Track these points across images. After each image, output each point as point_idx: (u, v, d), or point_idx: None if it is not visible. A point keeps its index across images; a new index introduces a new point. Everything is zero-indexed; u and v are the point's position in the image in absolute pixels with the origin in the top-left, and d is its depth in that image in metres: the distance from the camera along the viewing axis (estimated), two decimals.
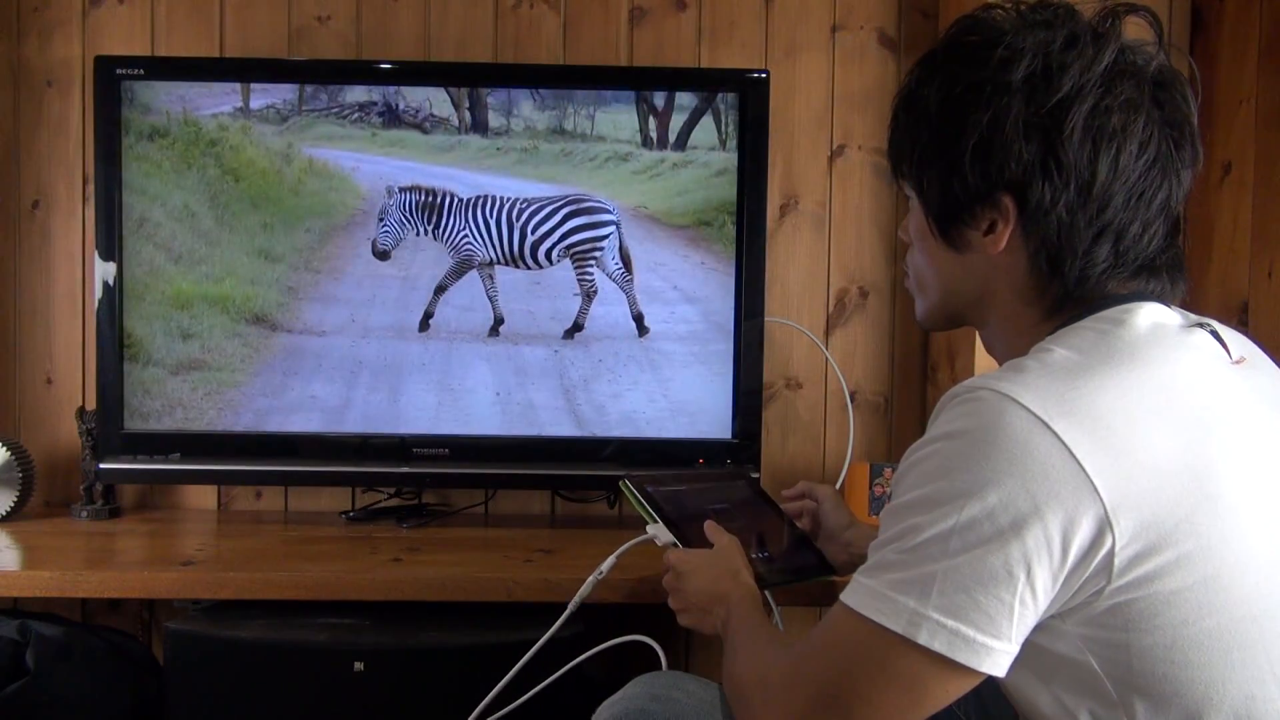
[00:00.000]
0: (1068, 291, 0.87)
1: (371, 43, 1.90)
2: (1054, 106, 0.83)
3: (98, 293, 1.70)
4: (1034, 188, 0.84)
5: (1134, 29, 0.89)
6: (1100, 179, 0.83)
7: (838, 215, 1.93)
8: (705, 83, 1.76)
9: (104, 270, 1.70)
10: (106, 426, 1.71)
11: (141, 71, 1.69)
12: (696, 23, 1.92)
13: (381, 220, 1.73)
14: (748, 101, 1.72)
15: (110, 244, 1.70)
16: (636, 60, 1.91)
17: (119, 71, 1.69)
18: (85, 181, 1.88)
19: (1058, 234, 0.85)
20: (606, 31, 1.91)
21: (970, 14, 0.91)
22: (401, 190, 1.72)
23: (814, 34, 1.92)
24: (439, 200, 1.73)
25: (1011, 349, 0.90)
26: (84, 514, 1.78)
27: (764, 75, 1.73)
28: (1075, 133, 0.83)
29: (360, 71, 1.77)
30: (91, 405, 1.82)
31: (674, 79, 1.79)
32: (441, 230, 1.73)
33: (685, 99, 1.73)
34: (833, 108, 1.92)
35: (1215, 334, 0.85)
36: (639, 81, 1.76)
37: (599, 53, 1.90)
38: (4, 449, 1.71)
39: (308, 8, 1.89)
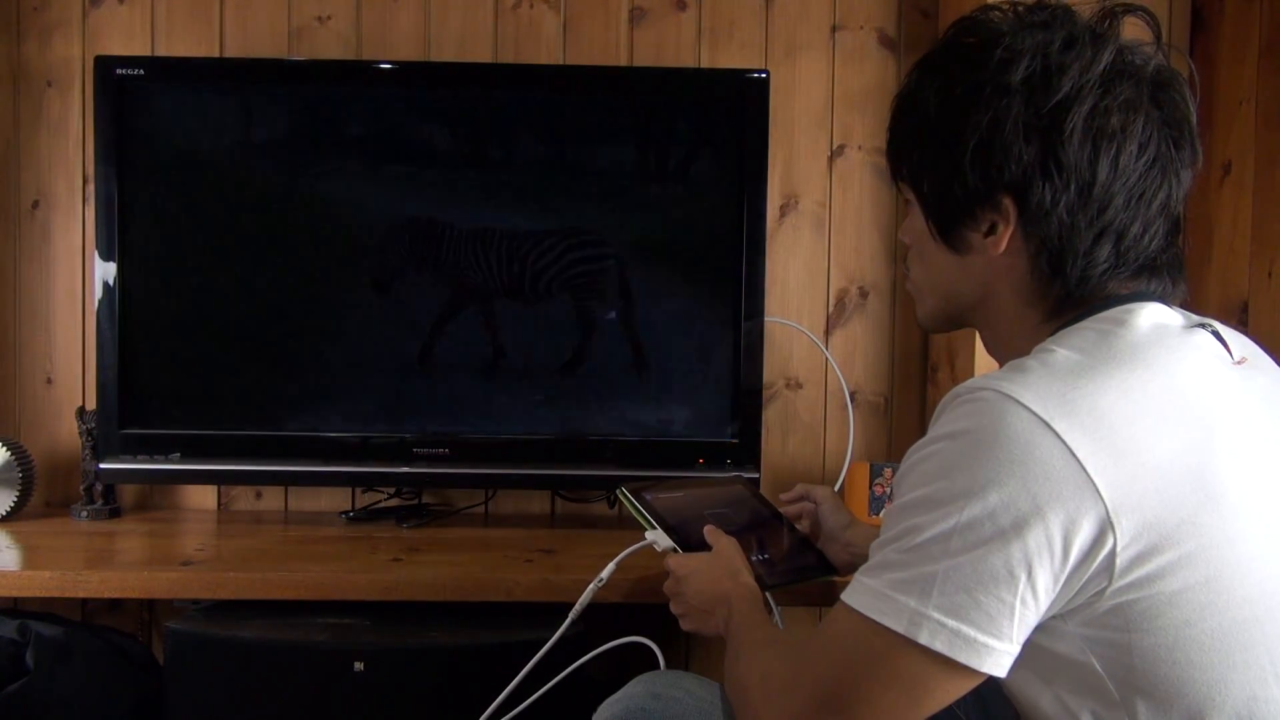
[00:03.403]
0: (1069, 292, 0.87)
1: (371, 43, 1.90)
2: (1053, 108, 0.83)
3: (98, 293, 1.70)
4: (1034, 189, 0.84)
5: (1133, 29, 0.89)
6: (1100, 180, 0.83)
7: (838, 215, 1.94)
8: (705, 83, 1.76)
9: (104, 270, 1.70)
10: (106, 426, 1.71)
11: (141, 71, 1.69)
12: (696, 23, 1.92)
13: (381, 253, 1.72)
14: (748, 102, 1.72)
15: (110, 244, 1.69)
16: (636, 60, 1.91)
17: (119, 71, 1.69)
18: (85, 181, 1.88)
19: (1059, 235, 0.85)
20: (606, 32, 1.91)
21: (969, 15, 0.91)
22: (401, 222, 1.72)
23: (814, 34, 1.92)
24: (438, 233, 1.72)
25: (1013, 350, 0.89)
26: (84, 514, 1.78)
27: (764, 75, 1.73)
28: (1075, 134, 0.83)
29: (360, 73, 1.77)
30: (91, 405, 1.82)
31: (674, 79, 1.79)
32: (441, 263, 1.72)
33: (684, 132, 1.73)
34: (833, 108, 1.93)
35: (1216, 334, 0.85)
36: (639, 82, 1.76)
37: (599, 53, 1.90)
38: (4, 449, 1.71)
39: (308, 8, 1.89)
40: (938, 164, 0.89)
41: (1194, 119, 0.87)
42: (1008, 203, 0.86)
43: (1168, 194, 0.86)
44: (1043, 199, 0.84)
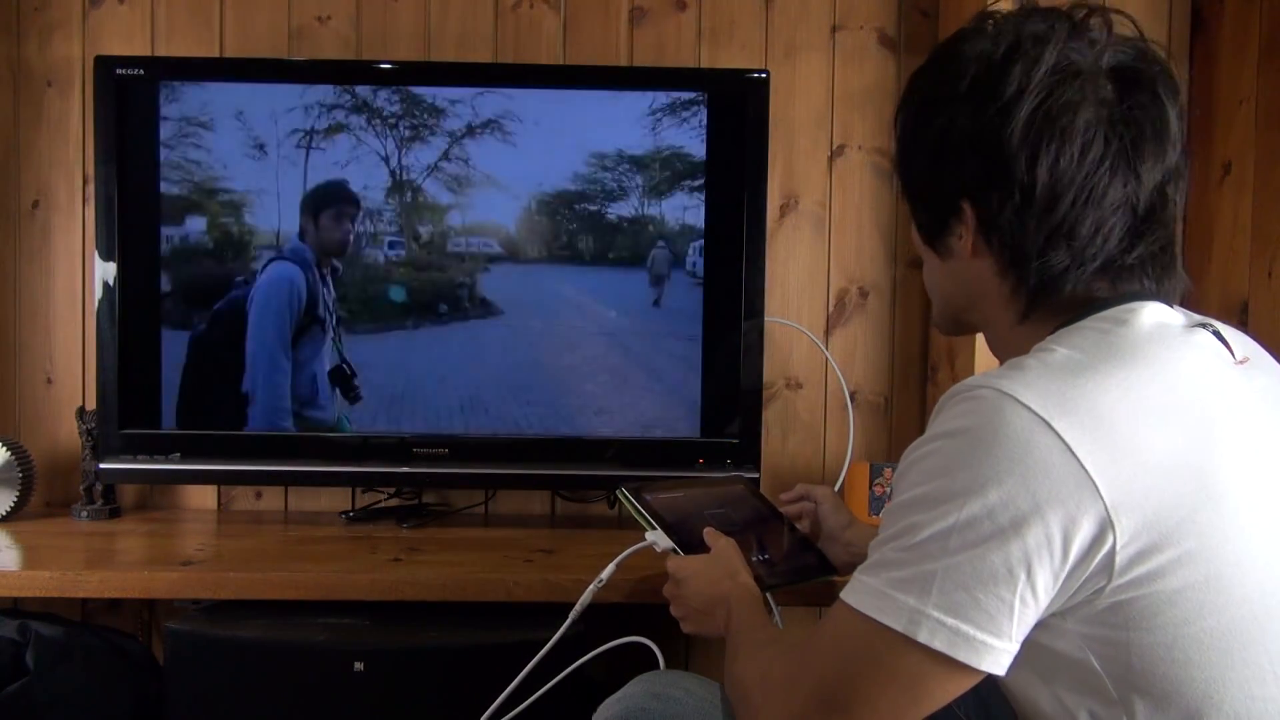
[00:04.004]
0: (1032, 293, 0.88)
1: (371, 43, 1.90)
2: (995, 114, 0.84)
3: (98, 293, 1.70)
4: (983, 195, 0.87)
5: (1130, 30, 0.90)
6: (1041, 181, 0.84)
7: (838, 215, 1.94)
8: (706, 83, 1.76)
9: (104, 270, 1.70)
10: (106, 426, 1.71)
11: (141, 71, 1.69)
12: (696, 23, 1.92)
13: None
14: (748, 102, 1.72)
15: (110, 244, 1.70)
16: (636, 60, 1.91)
17: (119, 71, 1.69)
18: (85, 181, 1.88)
19: (1011, 238, 0.87)
20: (606, 31, 1.91)
21: (955, 32, 0.93)
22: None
23: (814, 34, 1.92)
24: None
25: (1009, 350, 0.90)
26: (84, 514, 1.78)
27: (764, 75, 1.73)
28: (1014, 137, 0.84)
29: (360, 72, 1.77)
30: (91, 405, 1.82)
31: (674, 79, 1.79)
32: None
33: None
34: (833, 108, 1.93)
35: (1218, 334, 0.85)
36: (639, 81, 1.76)
37: (599, 53, 1.90)
38: (4, 449, 1.71)
39: (308, 8, 1.89)
40: (911, 176, 0.94)
41: (1169, 114, 0.86)
42: (966, 208, 0.88)
43: (1122, 191, 0.84)
44: (991, 203, 0.86)
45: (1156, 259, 0.88)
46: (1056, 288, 0.86)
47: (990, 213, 0.86)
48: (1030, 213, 0.85)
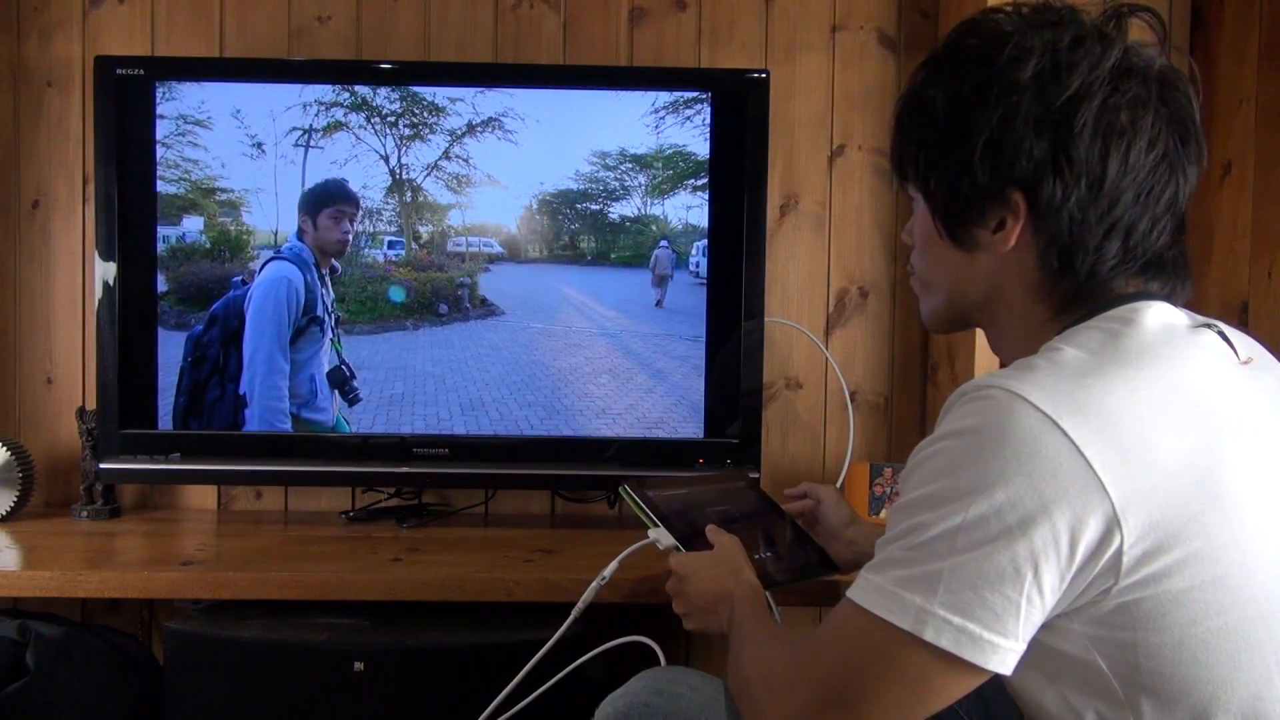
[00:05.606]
0: (1077, 288, 0.87)
1: (371, 43, 1.90)
2: (1064, 104, 0.84)
3: (98, 293, 1.70)
4: (1045, 185, 0.85)
5: (1136, 30, 0.90)
6: (1111, 175, 0.84)
7: (838, 215, 1.94)
8: (706, 82, 1.76)
9: (104, 270, 1.70)
10: (106, 426, 1.71)
11: (141, 71, 1.69)
12: (696, 23, 1.92)
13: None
14: (747, 102, 1.72)
15: (110, 244, 1.69)
16: (637, 60, 1.91)
17: (119, 71, 1.69)
18: (85, 181, 1.88)
19: (1069, 231, 0.85)
20: (606, 31, 1.91)
21: (972, 18, 0.92)
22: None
23: (814, 34, 1.92)
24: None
25: (1019, 348, 0.89)
26: (84, 514, 1.77)
27: (764, 75, 1.73)
28: (1086, 130, 0.83)
29: (360, 71, 1.77)
30: (91, 405, 1.82)
31: (674, 79, 1.79)
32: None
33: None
34: (833, 108, 1.93)
35: (1222, 334, 0.86)
36: (639, 81, 1.76)
37: (599, 53, 1.90)
38: (4, 449, 1.71)
39: (308, 8, 1.89)
40: (946, 162, 0.90)
41: (1198, 117, 0.88)
42: (1018, 198, 0.86)
43: (1175, 190, 0.86)
44: (1053, 194, 0.85)
45: (1182, 258, 0.89)
46: (1104, 282, 0.86)
47: (1048, 204, 0.85)
48: (1094, 205, 0.84)
